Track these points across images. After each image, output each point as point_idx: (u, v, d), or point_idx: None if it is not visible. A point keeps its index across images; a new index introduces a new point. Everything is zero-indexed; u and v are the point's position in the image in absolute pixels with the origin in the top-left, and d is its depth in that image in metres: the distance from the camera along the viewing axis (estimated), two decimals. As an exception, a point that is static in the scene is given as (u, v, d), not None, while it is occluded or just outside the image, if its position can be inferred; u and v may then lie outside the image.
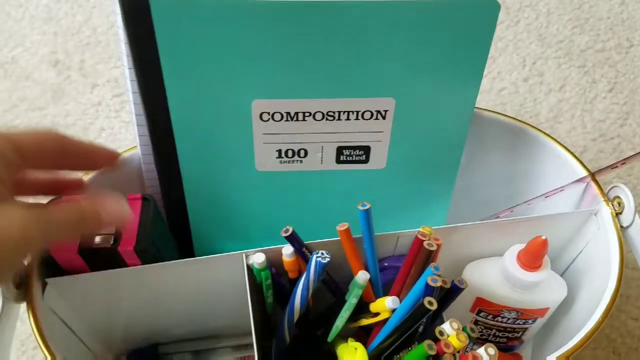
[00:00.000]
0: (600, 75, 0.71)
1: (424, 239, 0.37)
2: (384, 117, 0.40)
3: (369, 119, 0.40)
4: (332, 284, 0.42)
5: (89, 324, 0.44)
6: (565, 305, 0.44)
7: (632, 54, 0.73)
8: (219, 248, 0.46)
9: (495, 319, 0.44)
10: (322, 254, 0.37)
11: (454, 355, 0.33)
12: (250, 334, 0.51)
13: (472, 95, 0.40)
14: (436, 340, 0.34)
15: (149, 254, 0.38)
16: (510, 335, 0.46)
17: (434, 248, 0.36)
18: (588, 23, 0.76)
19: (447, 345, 0.33)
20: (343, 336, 0.42)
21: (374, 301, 0.41)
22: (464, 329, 0.34)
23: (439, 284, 0.34)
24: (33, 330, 0.36)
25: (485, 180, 0.48)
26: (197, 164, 0.42)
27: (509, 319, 0.44)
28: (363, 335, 0.42)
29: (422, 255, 0.37)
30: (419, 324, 0.36)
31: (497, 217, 0.46)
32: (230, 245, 0.46)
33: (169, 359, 0.50)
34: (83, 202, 0.31)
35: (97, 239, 0.37)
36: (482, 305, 0.44)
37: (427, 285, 0.34)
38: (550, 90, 0.69)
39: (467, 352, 0.33)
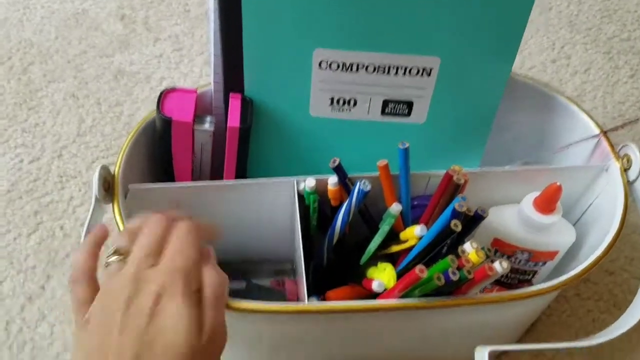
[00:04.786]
0: (623, 62, 0.76)
1: (453, 174, 0.43)
2: (428, 75, 0.46)
3: (415, 75, 0.46)
4: (368, 214, 0.48)
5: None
6: (572, 252, 0.49)
7: (656, 44, 0.78)
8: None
9: (509, 259, 0.50)
10: (364, 182, 0.43)
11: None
12: (288, 260, 0.58)
13: (510, 60, 0.46)
14: (458, 257, 0.40)
15: (247, 136, 0.46)
16: (521, 277, 0.52)
17: (461, 181, 0.42)
18: (616, 14, 0.81)
19: (467, 260, 0.39)
20: (373, 263, 0.48)
21: (404, 230, 0.47)
22: (481, 248, 0.40)
23: (464, 209, 0.40)
24: (117, 223, 0.43)
25: (510, 139, 0.54)
26: (261, 103, 0.48)
27: (521, 260, 0.50)
28: (389, 262, 0.48)
29: (450, 188, 0.43)
30: (443, 245, 0.42)
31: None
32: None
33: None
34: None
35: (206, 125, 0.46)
36: (498, 246, 0.49)
37: (453, 210, 0.40)
38: (575, 72, 0.75)
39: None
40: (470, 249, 0.40)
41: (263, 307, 0.39)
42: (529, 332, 0.56)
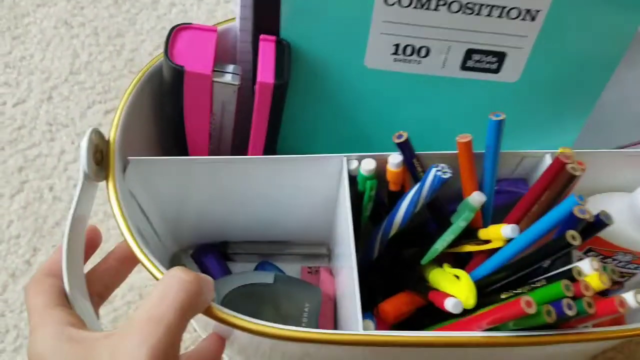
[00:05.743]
0: None
1: (567, 161, 0.31)
2: (532, 19, 0.34)
3: (515, 18, 0.34)
4: (438, 204, 0.37)
5: (164, 212, 0.40)
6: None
7: None
8: (305, 149, 0.42)
9: (605, 260, 0.40)
10: (443, 167, 0.32)
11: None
12: (321, 243, 0.48)
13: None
14: (572, 279, 0.30)
15: (283, 95, 0.35)
16: (614, 280, 0.42)
17: (578, 173, 0.31)
18: None
19: (587, 287, 0.29)
20: (434, 260, 0.38)
21: (480, 227, 0.37)
22: (604, 269, 0.30)
23: (587, 216, 0.29)
24: (112, 207, 0.32)
25: (617, 100, 0.42)
26: (300, 49, 0.36)
27: (620, 261, 0.39)
28: (454, 262, 0.38)
29: (560, 180, 0.32)
30: (546, 260, 0.31)
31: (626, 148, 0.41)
32: (320, 147, 0.41)
33: (235, 258, 0.47)
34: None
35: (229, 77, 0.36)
36: (594, 244, 0.39)
37: (571, 216, 0.29)
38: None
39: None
40: (590, 270, 0.29)
41: (312, 336, 0.29)
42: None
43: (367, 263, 0.40)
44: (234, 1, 0.35)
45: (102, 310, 0.42)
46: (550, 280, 0.30)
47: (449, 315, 0.33)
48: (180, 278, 0.27)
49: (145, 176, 0.36)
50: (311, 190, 0.39)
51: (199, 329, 0.44)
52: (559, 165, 0.32)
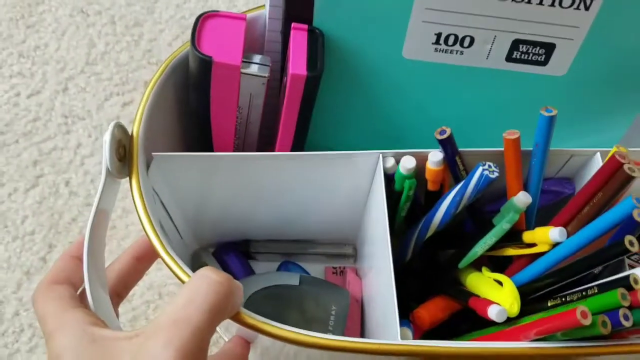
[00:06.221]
0: None
1: (623, 161, 0.29)
2: (587, 8, 0.31)
3: (568, 7, 0.31)
4: (478, 204, 0.35)
5: (185, 209, 0.39)
6: None
7: None
8: (334, 144, 0.40)
9: (652, 267, 0.38)
10: (490, 166, 0.30)
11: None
12: (347, 242, 0.46)
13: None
14: (628, 288, 0.27)
15: (316, 88, 0.33)
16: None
17: (636, 174, 0.29)
18: None
19: (647, 296, 0.27)
20: (472, 263, 0.36)
21: (524, 229, 0.35)
22: (665, 279, 0.28)
23: (649, 221, 0.27)
24: (135, 204, 0.30)
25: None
26: (334, 39, 0.34)
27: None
28: (493, 266, 0.36)
29: (616, 181, 0.30)
30: (599, 267, 0.29)
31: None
32: (350, 142, 0.39)
33: (257, 257, 0.46)
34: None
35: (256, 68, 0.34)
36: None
37: (630, 219, 0.27)
38: None
39: None
40: (649, 279, 0.27)
41: (345, 345, 0.27)
42: None
43: (400, 265, 0.38)
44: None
45: (121, 309, 0.40)
46: (603, 288, 0.28)
47: (489, 323, 0.32)
48: (210, 279, 0.26)
49: (169, 173, 0.34)
50: (340, 188, 0.37)
51: (220, 330, 0.43)
52: (614, 165, 0.30)
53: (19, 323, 0.43)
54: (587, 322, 0.25)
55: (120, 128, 0.31)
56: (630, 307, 0.27)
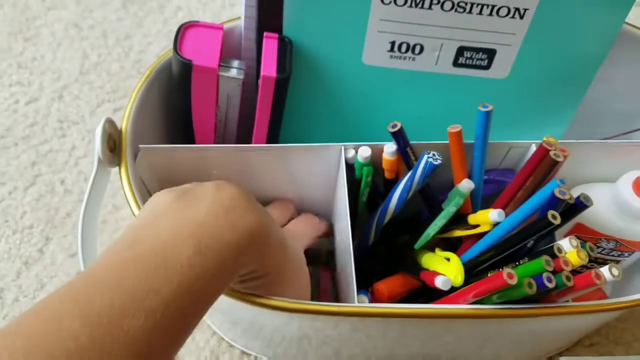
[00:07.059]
0: None
1: (550, 148, 0.34)
2: (521, 17, 0.36)
3: (504, 16, 0.36)
4: (429, 191, 0.39)
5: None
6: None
7: None
8: (305, 139, 0.44)
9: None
10: (434, 155, 0.35)
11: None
12: (323, 236, 0.50)
13: (624, 12, 0.36)
14: (552, 256, 0.32)
15: (285, 89, 0.38)
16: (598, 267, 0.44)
17: (560, 159, 0.34)
18: None
19: (566, 262, 0.31)
20: (427, 246, 0.40)
21: (469, 212, 0.39)
22: (582, 247, 0.32)
23: (567, 197, 0.31)
24: (124, 191, 0.34)
25: (604, 96, 0.44)
26: (302, 46, 0.39)
27: (604, 249, 0.42)
28: (445, 248, 0.40)
29: (544, 166, 0.34)
30: (530, 240, 0.34)
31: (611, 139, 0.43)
32: (318, 136, 0.44)
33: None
34: None
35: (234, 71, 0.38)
36: (580, 232, 0.41)
37: (552, 197, 0.32)
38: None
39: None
40: (569, 247, 0.32)
41: (306, 307, 0.31)
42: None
43: (364, 249, 0.42)
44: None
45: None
46: (532, 257, 0.33)
47: (440, 294, 0.36)
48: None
49: (154, 163, 0.38)
50: (311, 174, 0.41)
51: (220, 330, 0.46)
52: (542, 152, 0.34)
53: (19, 309, 0.47)
54: (513, 281, 0.30)
55: (110, 123, 0.35)
56: (554, 272, 0.31)
